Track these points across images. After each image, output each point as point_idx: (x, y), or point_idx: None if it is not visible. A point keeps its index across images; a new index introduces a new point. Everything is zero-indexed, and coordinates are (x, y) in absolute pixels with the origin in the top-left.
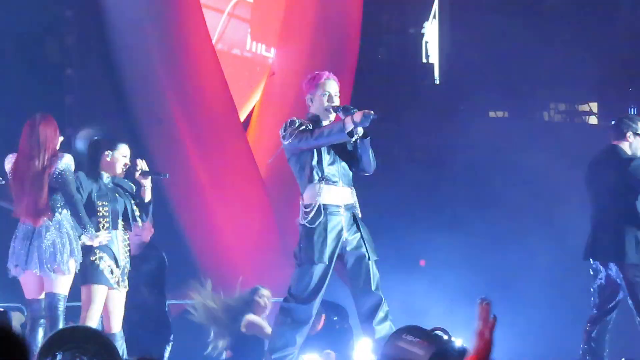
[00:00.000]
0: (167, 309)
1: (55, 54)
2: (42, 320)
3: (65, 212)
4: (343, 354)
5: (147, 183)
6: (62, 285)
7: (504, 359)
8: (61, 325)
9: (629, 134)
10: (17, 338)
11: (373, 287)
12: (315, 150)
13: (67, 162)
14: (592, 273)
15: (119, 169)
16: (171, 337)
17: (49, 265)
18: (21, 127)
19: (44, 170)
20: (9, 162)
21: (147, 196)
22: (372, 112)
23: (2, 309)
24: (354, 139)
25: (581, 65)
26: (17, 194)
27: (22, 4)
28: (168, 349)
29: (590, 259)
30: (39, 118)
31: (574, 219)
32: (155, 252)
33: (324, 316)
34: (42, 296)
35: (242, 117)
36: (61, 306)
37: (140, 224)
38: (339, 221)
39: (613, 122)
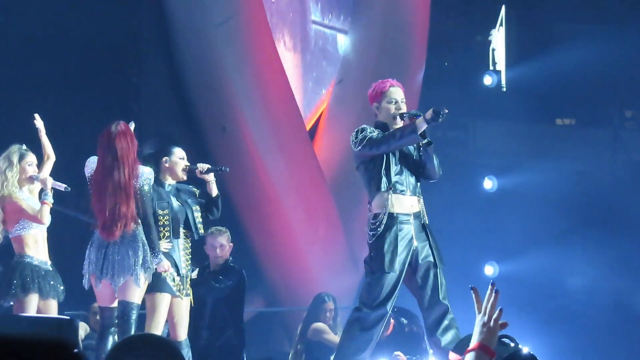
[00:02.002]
0: (243, 325)
1: (122, 62)
2: (113, 329)
3: (140, 225)
4: (414, 357)
5: (210, 178)
6: (136, 294)
7: None
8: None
9: None
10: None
11: (441, 296)
12: (383, 159)
13: (147, 176)
14: None
15: (180, 173)
16: (244, 357)
17: (124, 276)
18: (91, 131)
19: (127, 184)
20: (89, 167)
21: (214, 191)
22: (445, 108)
23: (69, 318)
24: (424, 142)
25: None
26: (96, 206)
27: (91, 15)
28: None
29: None
30: (114, 129)
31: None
32: (236, 269)
33: (393, 321)
34: (115, 304)
35: (309, 125)
36: (134, 315)
37: (202, 231)
38: (409, 230)
39: None
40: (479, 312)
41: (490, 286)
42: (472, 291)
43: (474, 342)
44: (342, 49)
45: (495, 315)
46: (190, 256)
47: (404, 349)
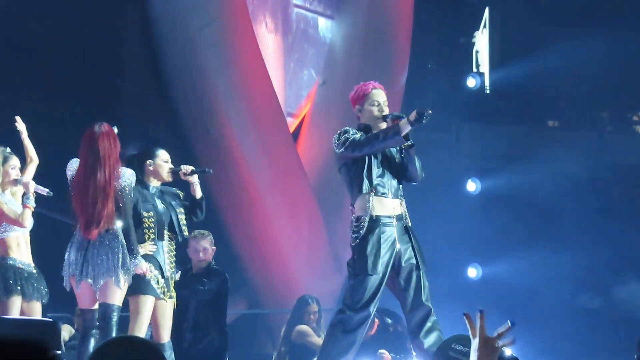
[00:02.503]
0: (226, 327)
1: (106, 64)
2: (94, 330)
3: (120, 226)
4: (397, 356)
5: (194, 180)
6: (116, 296)
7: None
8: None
9: None
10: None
11: (424, 299)
12: (365, 161)
13: (128, 177)
14: None
15: (165, 175)
16: (227, 358)
17: (104, 277)
18: (74, 133)
19: (106, 184)
20: (70, 168)
21: (198, 193)
22: (428, 109)
23: (52, 320)
24: (406, 145)
25: (631, 74)
26: (77, 206)
27: (75, 17)
28: None
29: None
30: (97, 128)
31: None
32: (219, 272)
33: (377, 321)
34: (95, 306)
35: (292, 127)
36: (114, 317)
37: (186, 233)
38: (392, 232)
39: None
40: (474, 337)
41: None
42: (465, 317)
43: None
44: (323, 31)
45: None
46: (174, 258)
47: (388, 349)
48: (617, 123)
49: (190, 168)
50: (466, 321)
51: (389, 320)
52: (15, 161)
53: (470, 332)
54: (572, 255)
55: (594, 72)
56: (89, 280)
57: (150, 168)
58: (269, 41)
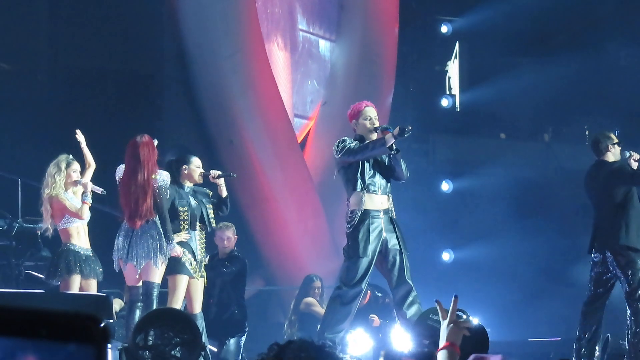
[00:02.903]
0: (245, 302)
1: (149, 88)
2: (139, 304)
3: (157, 218)
4: (385, 320)
5: (221, 182)
6: (156, 275)
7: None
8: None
9: (609, 147)
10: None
11: (406, 277)
12: (359, 164)
13: (164, 178)
14: (591, 263)
15: (197, 178)
16: (246, 328)
17: (145, 260)
18: (121, 144)
19: (146, 184)
20: (118, 172)
21: (224, 193)
22: (409, 126)
23: (105, 294)
24: (392, 152)
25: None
26: (123, 201)
27: (125, 50)
28: (243, 338)
29: (592, 251)
30: (139, 139)
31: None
32: (239, 257)
33: (369, 293)
34: (140, 284)
35: (300, 138)
36: (155, 292)
37: (214, 224)
38: (379, 223)
39: (591, 142)
40: (443, 319)
41: (453, 298)
42: (436, 303)
43: (443, 342)
44: (323, 50)
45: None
46: (205, 245)
47: (378, 315)
48: (560, 134)
49: (217, 173)
50: (437, 306)
51: (379, 294)
52: (76, 166)
53: (440, 314)
54: (528, 242)
55: (540, 93)
56: (134, 262)
57: (185, 172)
58: (279, 57)
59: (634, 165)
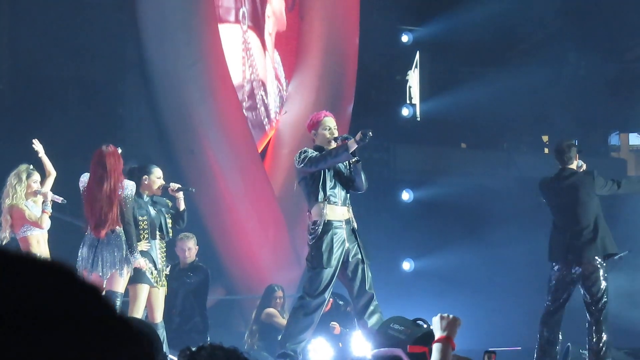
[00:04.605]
0: (207, 312)
1: (110, 97)
2: None
3: (122, 228)
4: (346, 328)
5: (179, 195)
6: (120, 285)
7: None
8: None
9: (577, 155)
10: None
11: (367, 287)
12: (320, 175)
13: (129, 188)
14: (552, 272)
15: (156, 189)
16: (208, 338)
17: (111, 269)
18: (84, 152)
19: (112, 193)
20: (82, 180)
21: (181, 206)
22: (370, 130)
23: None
24: (353, 160)
25: (531, 104)
26: (87, 211)
27: (85, 58)
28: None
29: (556, 261)
30: (105, 148)
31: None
32: (202, 267)
33: (331, 300)
34: (103, 293)
35: (260, 148)
36: (118, 302)
37: (171, 234)
38: (342, 234)
39: (555, 149)
40: (437, 320)
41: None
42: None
43: (439, 334)
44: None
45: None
46: (165, 254)
47: (339, 323)
48: (518, 144)
49: (177, 186)
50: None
51: (341, 302)
52: (36, 176)
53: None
54: (489, 250)
55: (501, 103)
56: (99, 272)
57: (145, 182)
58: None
59: None
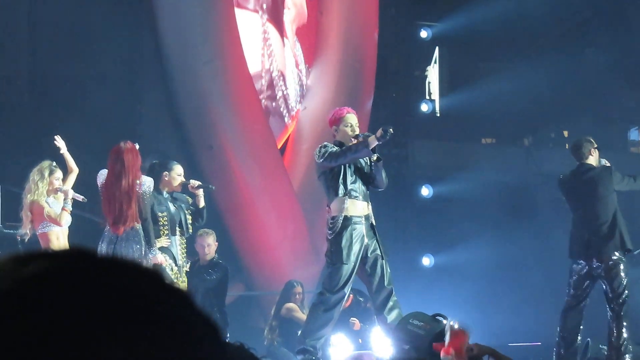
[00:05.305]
0: (226, 308)
1: (129, 94)
2: None
3: (140, 224)
4: (366, 324)
5: (199, 193)
6: None
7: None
8: None
9: (591, 151)
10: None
11: (386, 283)
12: (341, 169)
13: (148, 184)
14: (572, 267)
15: (176, 185)
16: (227, 334)
17: None
18: (102, 150)
19: (130, 189)
20: (100, 177)
21: (201, 203)
22: (390, 127)
23: None
24: (374, 158)
25: (551, 99)
26: (106, 207)
27: (104, 55)
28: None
29: (576, 256)
30: (123, 145)
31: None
32: (221, 264)
33: (351, 296)
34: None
35: (279, 143)
36: None
37: (191, 230)
38: (361, 229)
39: (572, 146)
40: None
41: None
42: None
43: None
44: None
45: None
46: (185, 250)
47: (359, 319)
48: (538, 139)
49: (197, 183)
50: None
51: (361, 299)
52: (59, 174)
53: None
54: (508, 246)
55: (520, 98)
56: None
57: (166, 178)
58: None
59: None
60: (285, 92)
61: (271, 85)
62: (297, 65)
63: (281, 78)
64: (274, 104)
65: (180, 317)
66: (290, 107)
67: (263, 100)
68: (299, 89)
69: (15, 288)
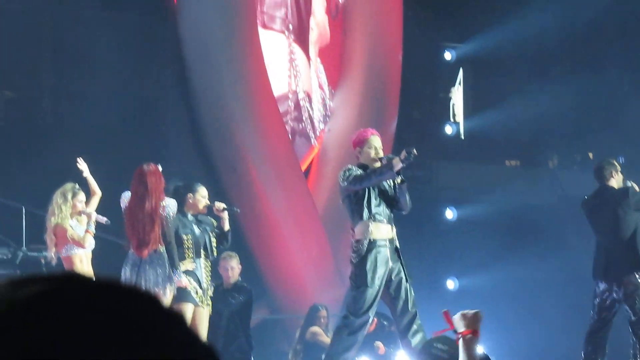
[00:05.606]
0: (250, 331)
1: (153, 116)
2: None
3: (164, 247)
4: (390, 348)
5: (224, 216)
6: None
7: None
8: None
9: (612, 173)
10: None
11: (410, 306)
12: (365, 193)
13: (171, 207)
14: (596, 290)
15: (201, 208)
16: (252, 357)
17: (152, 289)
18: (124, 171)
19: (153, 212)
20: (123, 200)
21: (226, 226)
22: (414, 149)
23: None
24: (399, 181)
25: (575, 121)
26: (129, 230)
27: (129, 80)
28: None
29: (599, 279)
30: (146, 167)
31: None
32: (245, 287)
33: (375, 320)
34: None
35: (304, 166)
36: None
37: (216, 253)
38: (385, 252)
39: (594, 168)
40: (459, 317)
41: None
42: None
43: (462, 329)
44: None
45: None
46: (210, 273)
47: (383, 343)
48: (563, 161)
49: (222, 205)
50: (444, 317)
51: (386, 322)
52: (82, 196)
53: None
54: (534, 268)
55: (544, 120)
56: None
57: (190, 201)
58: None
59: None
60: (311, 113)
61: (297, 106)
62: (320, 86)
63: (307, 99)
64: (300, 125)
65: (175, 340)
66: (315, 127)
67: (289, 122)
68: (322, 110)
69: (7, 311)
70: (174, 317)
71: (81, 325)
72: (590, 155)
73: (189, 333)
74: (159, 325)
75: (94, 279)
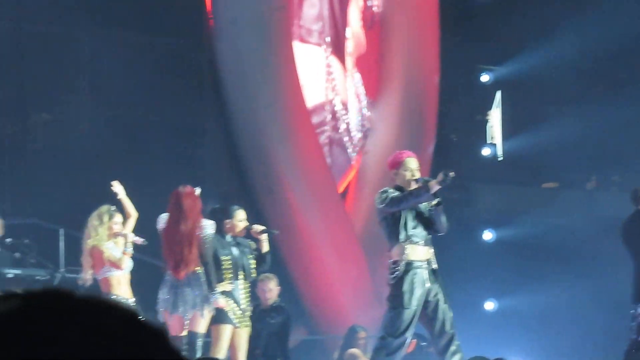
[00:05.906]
0: (289, 354)
1: (190, 137)
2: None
3: (201, 268)
4: None
5: (263, 237)
6: (201, 325)
7: None
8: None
9: None
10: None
11: (447, 328)
12: (402, 215)
13: (208, 228)
14: (633, 312)
15: (239, 230)
16: None
17: (192, 310)
18: (162, 193)
19: (190, 234)
20: (160, 222)
21: (265, 248)
22: (451, 171)
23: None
24: (434, 203)
25: (613, 143)
26: (166, 251)
27: (167, 102)
28: None
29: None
30: (181, 189)
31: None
32: (283, 308)
33: (414, 341)
34: (184, 333)
35: (341, 188)
36: (199, 342)
37: (254, 275)
38: (423, 274)
39: (631, 192)
40: None
41: None
42: None
43: None
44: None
45: None
46: (249, 294)
47: None
48: (601, 183)
49: (260, 228)
50: None
51: (423, 344)
52: (118, 218)
53: None
54: (571, 291)
55: (582, 142)
56: (180, 313)
57: (228, 225)
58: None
59: None
60: (348, 123)
61: (334, 117)
62: (357, 95)
63: (344, 110)
64: (337, 135)
65: (155, 356)
66: (352, 137)
67: (327, 132)
68: (360, 119)
69: None
70: (154, 333)
71: (57, 341)
72: (628, 178)
73: (170, 349)
74: (138, 341)
75: (76, 295)
